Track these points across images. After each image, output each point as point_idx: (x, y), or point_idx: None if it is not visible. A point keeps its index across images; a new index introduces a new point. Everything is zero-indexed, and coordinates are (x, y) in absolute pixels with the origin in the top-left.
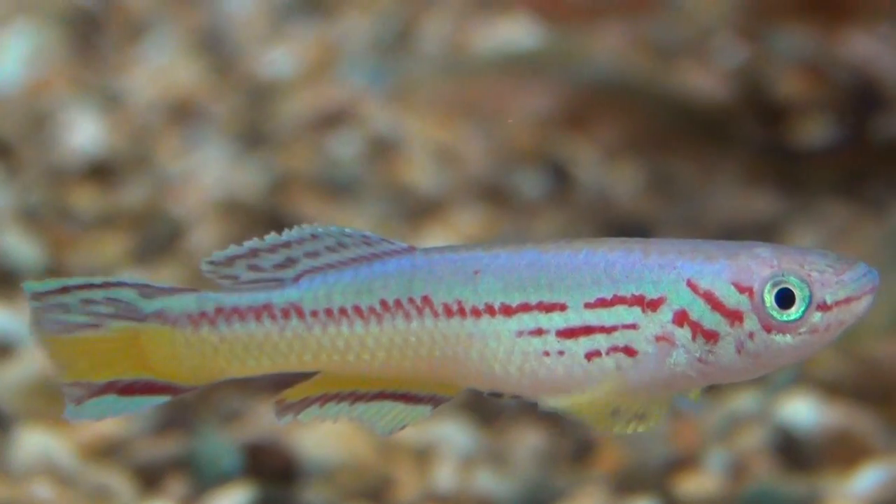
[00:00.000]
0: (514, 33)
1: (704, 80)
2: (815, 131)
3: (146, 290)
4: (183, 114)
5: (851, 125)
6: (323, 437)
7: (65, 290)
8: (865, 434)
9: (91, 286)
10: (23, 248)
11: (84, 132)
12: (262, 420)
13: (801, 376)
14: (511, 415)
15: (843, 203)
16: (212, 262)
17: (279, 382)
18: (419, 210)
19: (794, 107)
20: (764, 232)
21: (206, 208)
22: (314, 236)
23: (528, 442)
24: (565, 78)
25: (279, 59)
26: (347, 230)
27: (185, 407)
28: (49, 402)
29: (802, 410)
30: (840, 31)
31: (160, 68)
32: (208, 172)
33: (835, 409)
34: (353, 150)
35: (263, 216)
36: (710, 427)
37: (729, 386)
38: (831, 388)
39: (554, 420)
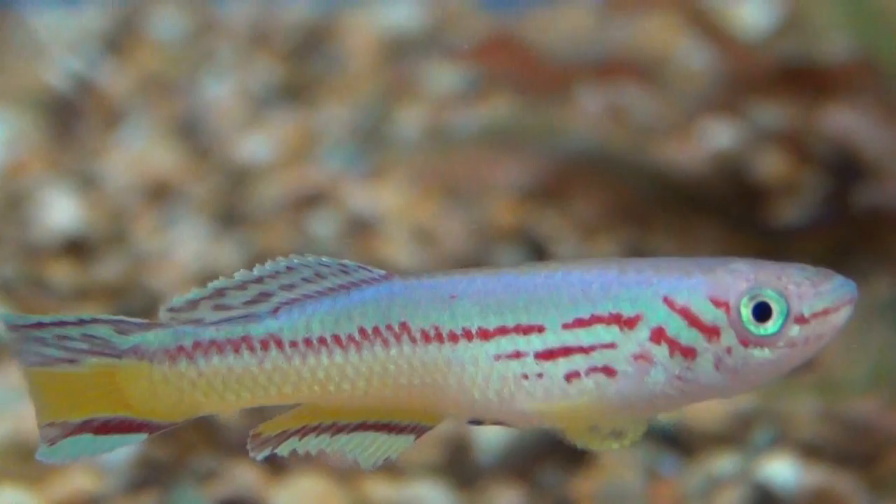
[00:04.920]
0: (493, 114)
1: (684, 154)
2: (796, 205)
3: (121, 326)
4: (160, 195)
5: (833, 198)
6: (298, 495)
7: (39, 325)
8: (846, 496)
9: (64, 324)
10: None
11: (61, 211)
12: (238, 479)
13: (782, 438)
14: (489, 476)
15: None
16: (172, 309)
17: None
18: None
19: (775, 181)
20: None
21: (183, 282)
22: (290, 268)
23: (505, 500)
24: (544, 151)
25: (257, 144)
26: (324, 259)
27: (161, 465)
28: (23, 461)
29: (783, 471)
30: (820, 106)
31: (137, 153)
32: (185, 249)
33: (815, 471)
34: (330, 229)
35: None
36: (689, 488)
37: (708, 447)
38: (812, 450)
39: (531, 478)
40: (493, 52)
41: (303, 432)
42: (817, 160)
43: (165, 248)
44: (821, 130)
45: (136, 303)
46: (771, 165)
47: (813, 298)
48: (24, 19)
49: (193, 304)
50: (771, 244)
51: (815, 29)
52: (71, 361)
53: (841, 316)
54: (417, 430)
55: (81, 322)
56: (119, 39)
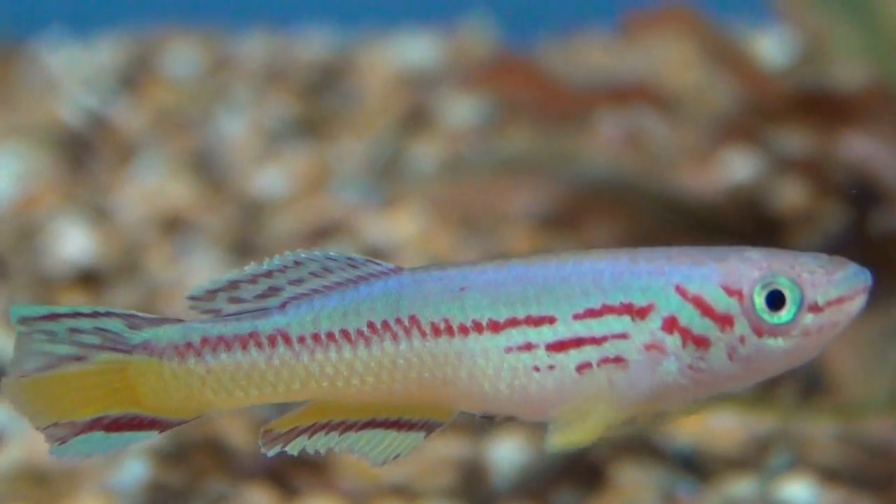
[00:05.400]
0: (509, 142)
1: (701, 182)
2: (813, 232)
3: (133, 321)
4: (174, 226)
5: (851, 224)
6: None
7: (53, 316)
8: None
9: (79, 315)
10: (9, 346)
11: (73, 242)
12: (250, 503)
13: (799, 461)
14: (504, 500)
15: None
16: (193, 297)
17: (268, 467)
18: None
19: (792, 208)
20: None
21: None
22: (298, 263)
23: None
24: (560, 179)
25: (272, 178)
26: (332, 254)
27: (172, 489)
28: (34, 485)
29: (800, 495)
30: (838, 133)
31: (151, 186)
32: (199, 279)
33: (833, 494)
34: None
35: None
36: None
37: (725, 470)
38: (830, 473)
39: (547, 501)
40: (509, 77)
41: (312, 430)
42: (835, 187)
43: (179, 279)
44: (838, 157)
45: None
46: (789, 193)
47: (827, 286)
48: (39, 56)
49: (212, 294)
50: None
51: (832, 57)
52: (80, 358)
53: (855, 304)
54: (428, 427)
55: (95, 314)
56: (134, 76)
